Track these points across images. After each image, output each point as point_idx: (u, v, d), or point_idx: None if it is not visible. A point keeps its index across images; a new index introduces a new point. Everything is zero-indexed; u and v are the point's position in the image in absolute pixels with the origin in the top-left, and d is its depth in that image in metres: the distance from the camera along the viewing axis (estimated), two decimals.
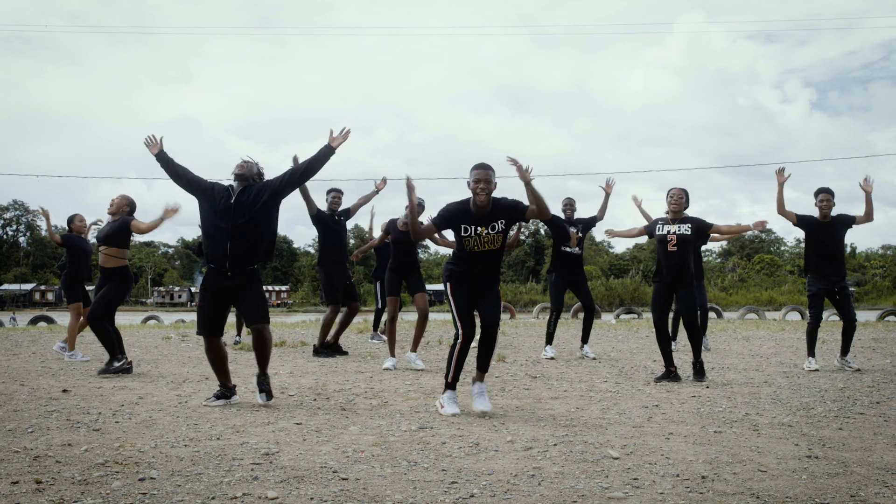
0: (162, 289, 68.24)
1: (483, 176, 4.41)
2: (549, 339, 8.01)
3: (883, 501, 2.68)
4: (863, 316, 23.81)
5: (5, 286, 67.11)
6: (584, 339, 7.96)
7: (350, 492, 2.79)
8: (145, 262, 74.01)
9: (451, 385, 4.56)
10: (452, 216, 4.52)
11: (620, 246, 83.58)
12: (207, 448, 3.49)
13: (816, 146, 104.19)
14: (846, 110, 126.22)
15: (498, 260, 4.62)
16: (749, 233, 8.00)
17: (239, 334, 9.89)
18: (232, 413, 4.44)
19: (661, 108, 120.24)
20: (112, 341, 6.32)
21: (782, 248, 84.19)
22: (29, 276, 72.17)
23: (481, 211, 4.47)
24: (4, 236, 78.06)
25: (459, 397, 4.70)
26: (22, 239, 78.38)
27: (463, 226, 4.49)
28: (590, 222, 8.22)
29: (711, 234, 6.35)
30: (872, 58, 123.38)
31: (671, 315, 6.56)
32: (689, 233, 6.03)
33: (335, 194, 8.16)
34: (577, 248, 7.95)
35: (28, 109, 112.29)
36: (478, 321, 4.61)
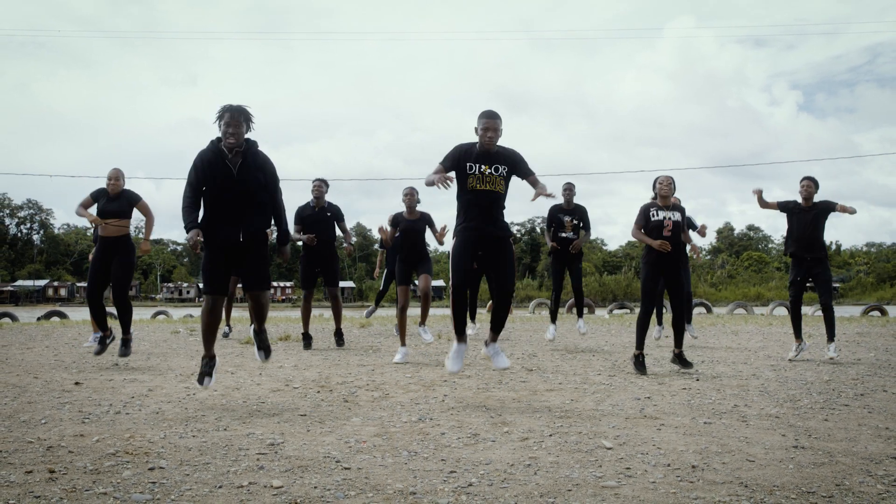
0: (171, 285, 68.22)
1: (491, 125, 4.58)
2: (553, 318, 8.23)
3: (867, 490, 2.68)
4: (847, 311, 23.90)
5: (19, 282, 67.09)
6: (579, 314, 8.14)
7: (352, 481, 2.78)
8: (154, 259, 73.98)
9: (458, 337, 4.75)
10: (459, 155, 4.64)
11: (613, 243, 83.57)
12: (215, 439, 3.48)
13: (804, 147, 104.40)
14: (833, 112, 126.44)
15: (500, 205, 4.67)
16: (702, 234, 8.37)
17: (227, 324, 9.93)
18: (238, 405, 4.44)
19: (653, 110, 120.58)
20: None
21: (770, 246, 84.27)
22: (42, 273, 72.17)
23: (486, 151, 4.62)
24: (19, 234, 78.01)
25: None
26: (36, 237, 78.36)
27: (468, 164, 4.61)
28: (586, 221, 8.24)
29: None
30: (858, 61, 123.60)
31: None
32: (680, 219, 6.15)
33: (318, 184, 8.07)
34: (571, 233, 8.05)
35: (41, 111, 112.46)
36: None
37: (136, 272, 8.03)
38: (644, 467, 2.99)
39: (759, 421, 3.96)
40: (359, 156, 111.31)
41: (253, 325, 4.75)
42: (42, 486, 2.67)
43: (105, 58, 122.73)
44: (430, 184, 4.56)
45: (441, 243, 6.79)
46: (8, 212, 76.97)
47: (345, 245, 8.22)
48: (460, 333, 4.75)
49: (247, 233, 4.36)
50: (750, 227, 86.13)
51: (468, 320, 9.73)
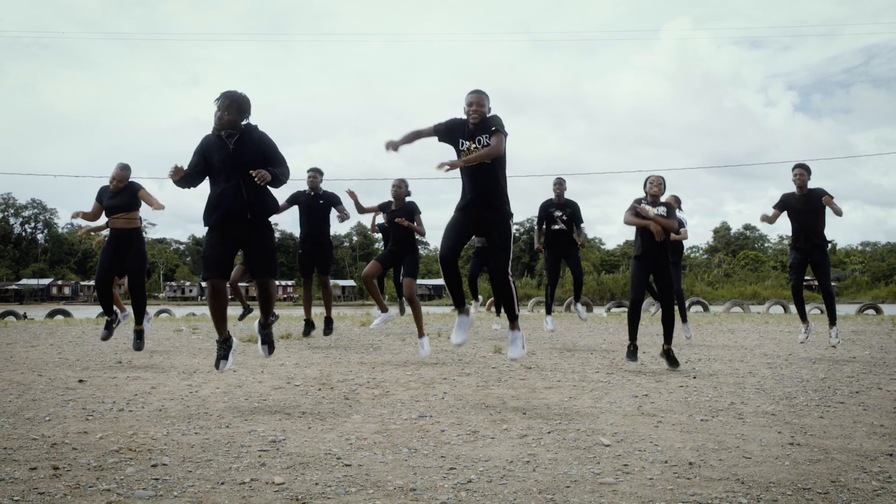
0: (173, 283, 68.21)
1: (474, 100, 4.51)
2: (548, 310, 8.28)
3: (862, 486, 2.68)
4: (843, 310, 23.86)
5: (24, 281, 67.11)
6: (577, 298, 8.18)
7: (353, 477, 2.78)
8: (157, 258, 73.98)
9: (457, 310, 4.77)
10: (454, 127, 4.61)
11: (611, 242, 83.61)
12: (217, 435, 3.48)
13: (800, 147, 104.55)
14: (828, 112, 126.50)
15: (493, 176, 4.52)
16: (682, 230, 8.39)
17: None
18: (240, 402, 4.44)
19: (651, 111, 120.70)
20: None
21: (766, 245, 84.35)
22: (47, 272, 72.18)
23: (473, 127, 4.56)
24: (23, 233, 78.02)
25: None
26: (40, 236, 78.38)
27: (460, 140, 4.57)
28: (577, 216, 8.26)
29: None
30: (853, 62, 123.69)
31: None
32: (666, 214, 6.19)
33: (312, 174, 8.07)
34: (563, 226, 8.11)
35: (45, 112, 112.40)
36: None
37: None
38: (641, 464, 2.99)
39: (756, 418, 3.96)
40: (360, 156, 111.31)
41: (258, 319, 4.73)
42: (46, 483, 2.67)
43: (108, 59, 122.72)
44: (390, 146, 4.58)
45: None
46: (12, 211, 76.98)
47: (338, 215, 7.92)
48: (458, 305, 4.73)
49: (253, 211, 4.34)
50: (746, 227, 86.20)
51: (496, 315, 9.74)
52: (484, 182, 4.49)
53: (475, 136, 4.50)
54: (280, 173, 4.40)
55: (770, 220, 7.09)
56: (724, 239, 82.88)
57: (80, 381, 5.32)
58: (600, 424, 3.78)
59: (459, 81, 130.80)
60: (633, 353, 6.12)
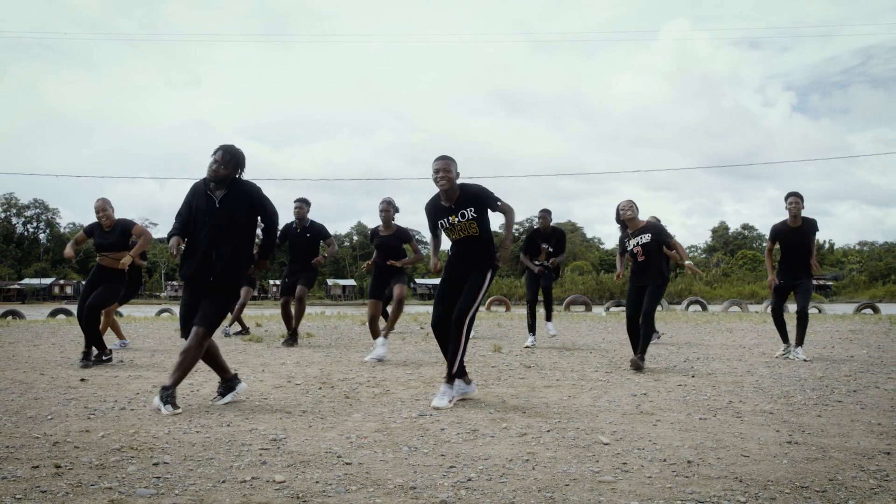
0: (175, 283, 68.18)
1: (440, 166, 4.47)
2: (531, 329, 8.19)
3: (859, 485, 2.68)
4: (840, 309, 23.90)
5: (26, 280, 67.14)
6: (547, 318, 8.32)
7: (353, 476, 2.78)
8: (159, 257, 73.96)
9: (447, 376, 4.46)
10: (431, 215, 4.64)
11: (610, 242, 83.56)
12: (218, 434, 3.48)
13: (798, 147, 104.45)
14: (826, 112, 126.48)
15: (480, 245, 4.51)
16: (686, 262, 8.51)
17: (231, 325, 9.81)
18: (241, 401, 4.44)
19: (650, 111, 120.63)
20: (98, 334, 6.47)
21: (764, 245, 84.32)
22: (49, 271, 72.18)
23: (450, 200, 4.50)
24: (26, 233, 78.05)
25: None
26: (42, 235, 78.39)
27: (440, 221, 4.56)
28: (562, 245, 8.24)
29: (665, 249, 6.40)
30: (851, 63, 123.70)
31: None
32: (650, 240, 6.22)
33: (299, 204, 8.13)
34: (545, 261, 8.10)
35: (48, 112, 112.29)
36: None
37: (142, 272, 8.10)
38: (640, 462, 2.99)
39: (754, 417, 3.96)
40: (360, 156, 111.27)
41: (164, 382, 4.24)
42: (48, 481, 2.67)
43: (109, 59, 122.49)
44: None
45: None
46: (15, 211, 77.01)
47: (317, 258, 8.00)
48: (448, 376, 4.43)
49: (216, 276, 4.29)
50: (744, 227, 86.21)
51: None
52: (472, 249, 4.51)
53: (457, 210, 4.48)
54: (270, 229, 4.52)
55: (773, 261, 7.14)
56: (722, 238, 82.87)
57: (82, 379, 5.32)
58: (599, 423, 3.79)
59: (459, 81, 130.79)
60: (636, 364, 6.02)
